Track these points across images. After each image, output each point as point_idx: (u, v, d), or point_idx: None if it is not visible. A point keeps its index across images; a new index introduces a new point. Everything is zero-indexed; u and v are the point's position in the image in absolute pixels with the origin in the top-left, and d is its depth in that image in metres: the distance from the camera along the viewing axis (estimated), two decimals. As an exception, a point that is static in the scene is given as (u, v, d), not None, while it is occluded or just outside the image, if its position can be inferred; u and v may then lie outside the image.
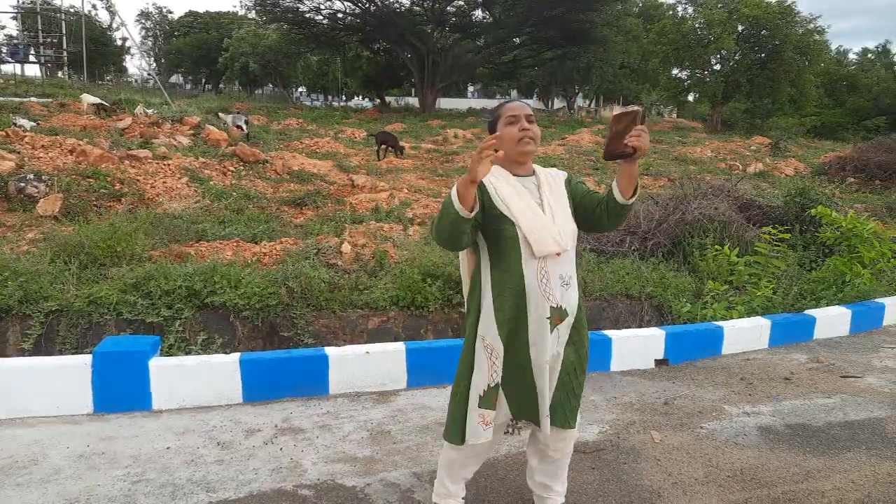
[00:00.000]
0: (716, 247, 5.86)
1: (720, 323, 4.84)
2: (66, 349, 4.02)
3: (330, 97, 57.40)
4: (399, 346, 3.97)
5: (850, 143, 22.43)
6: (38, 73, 38.08)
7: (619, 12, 37.94)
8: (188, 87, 63.59)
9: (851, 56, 52.90)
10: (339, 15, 37.30)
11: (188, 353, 4.05)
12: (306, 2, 35.79)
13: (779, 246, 5.89)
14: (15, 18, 38.09)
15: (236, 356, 3.70)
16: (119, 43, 52.55)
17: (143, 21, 64.17)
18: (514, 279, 2.21)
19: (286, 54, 43.19)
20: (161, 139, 10.80)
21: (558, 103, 51.86)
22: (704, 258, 5.86)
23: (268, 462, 3.02)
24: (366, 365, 3.87)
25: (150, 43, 64.62)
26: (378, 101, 45.44)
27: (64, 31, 34.51)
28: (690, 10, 36.19)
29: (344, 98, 56.38)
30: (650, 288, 5.29)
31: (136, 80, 61.20)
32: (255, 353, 3.86)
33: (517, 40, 38.72)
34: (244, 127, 14.73)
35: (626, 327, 4.97)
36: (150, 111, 13.41)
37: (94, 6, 60.95)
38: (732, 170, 15.34)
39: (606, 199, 2.27)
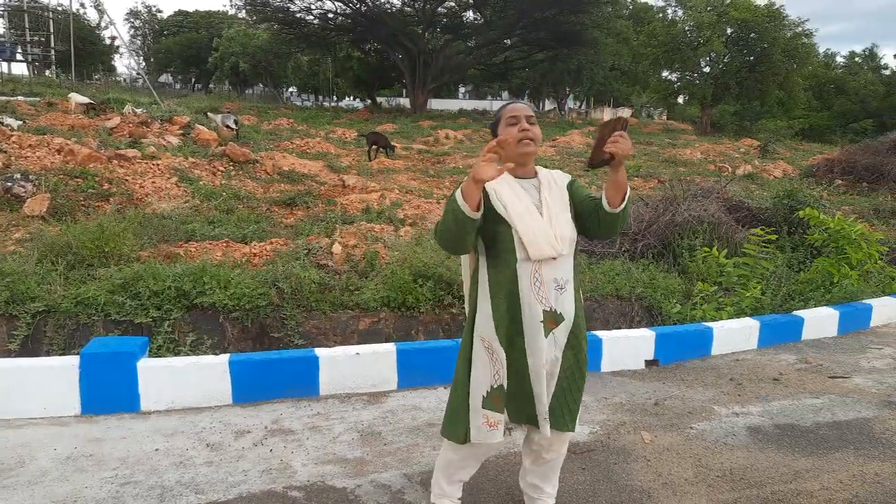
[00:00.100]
0: (704, 248, 5.89)
1: (710, 324, 4.86)
2: (53, 350, 3.99)
3: (321, 97, 57.26)
4: (390, 347, 3.96)
5: (838, 146, 22.60)
6: (26, 72, 37.75)
7: (610, 14, 38.13)
8: (178, 86, 63.24)
9: (839, 59, 53.40)
10: (330, 15, 37.23)
11: (177, 354, 4.03)
12: (297, 1, 35.72)
13: (767, 247, 5.93)
14: (1, 16, 37.73)
15: (226, 357, 3.68)
16: (108, 42, 52.22)
17: (131, 20, 63.84)
18: (507, 281, 2.21)
19: (276, 54, 43.04)
20: (150, 139, 10.74)
21: (549, 105, 52.06)
22: (694, 259, 5.90)
23: (257, 463, 3.01)
24: (356, 366, 3.86)
25: (139, 42, 64.27)
26: (369, 101, 45.41)
27: (52, 30, 34.27)
28: (680, 12, 36.45)
29: (335, 98, 56.27)
30: (640, 289, 5.31)
31: (124, 80, 60.75)
32: (245, 354, 3.83)
33: (508, 42, 38.79)
34: (233, 126, 14.67)
35: (617, 328, 4.99)
36: (139, 111, 13.33)
37: (82, 4, 60.53)
38: (722, 172, 15.44)
39: (598, 206, 2.24)
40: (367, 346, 3.98)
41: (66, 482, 2.79)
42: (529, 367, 2.24)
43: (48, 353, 3.95)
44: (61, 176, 7.56)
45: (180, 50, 54.13)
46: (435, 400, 3.79)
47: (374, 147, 15.29)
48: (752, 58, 34.10)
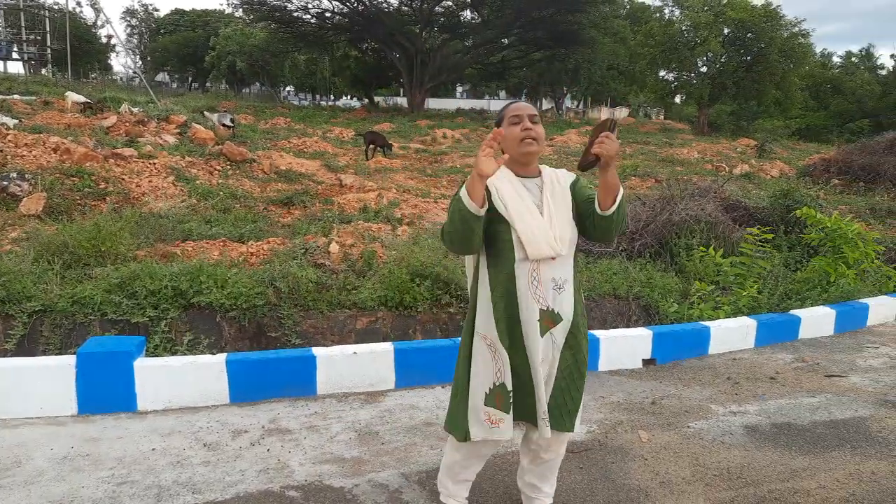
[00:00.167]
0: (701, 248, 5.90)
1: (707, 323, 4.87)
2: (49, 350, 3.97)
3: (318, 96, 57.19)
4: (387, 347, 3.96)
5: (834, 146, 22.69)
6: (22, 71, 37.63)
7: (607, 14, 38.14)
8: (174, 85, 63.11)
9: (835, 59, 53.52)
10: (327, 14, 37.17)
11: (174, 353, 4.02)
12: (294, 0, 35.66)
13: (763, 246, 5.94)
14: (-3, 15, 37.65)
15: (223, 357, 3.67)
16: (104, 40, 52.08)
17: (128, 18, 63.64)
18: (506, 280, 2.22)
19: (274, 53, 42.95)
20: (147, 138, 10.71)
21: (546, 104, 52.03)
22: (691, 258, 5.90)
23: (255, 463, 3.00)
24: (354, 365, 3.85)
25: (135, 41, 64.06)
26: (366, 100, 45.35)
27: (48, 28, 34.16)
28: (677, 12, 36.50)
29: (332, 97, 56.19)
30: (638, 288, 5.32)
31: (121, 79, 60.61)
32: (242, 354, 3.83)
33: (506, 41, 38.79)
34: (230, 125, 14.64)
35: (614, 327, 4.99)
36: (135, 109, 13.30)
37: (78, 3, 60.45)
38: (719, 171, 15.47)
39: (593, 209, 2.23)
40: (365, 346, 3.98)
41: (63, 482, 2.78)
42: (530, 366, 2.24)
43: (44, 353, 3.94)
44: (57, 175, 7.53)
45: (177, 49, 53.99)
46: (432, 399, 3.79)
47: (371, 146, 15.28)
48: (748, 58, 34.19)
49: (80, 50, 42.63)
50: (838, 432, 3.51)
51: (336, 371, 3.82)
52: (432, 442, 3.25)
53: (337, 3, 35.96)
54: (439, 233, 2.34)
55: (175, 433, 3.28)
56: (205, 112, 15.71)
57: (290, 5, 35.94)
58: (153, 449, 3.11)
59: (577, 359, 2.32)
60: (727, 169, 16.26)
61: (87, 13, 50.98)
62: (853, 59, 53.01)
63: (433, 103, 44.48)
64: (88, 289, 4.21)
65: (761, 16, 32.64)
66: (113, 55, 58.72)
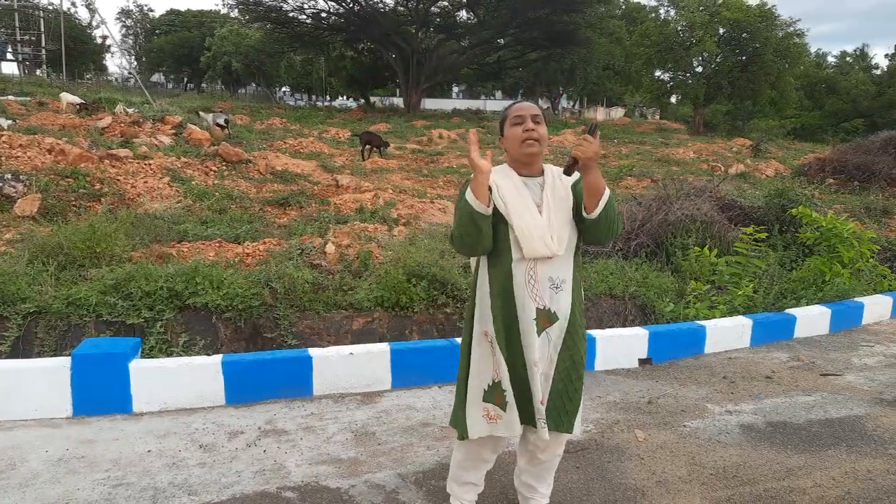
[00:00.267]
0: (696, 247, 5.91)
1: (703, 322, 4.88)
2: (44, 351, 3.95)
3: (314, 97, 57.14)
4: (384, 347, 3.96)
5: (829, 145, 22.76)
6: (16, 71, 37.49)
7: (603, 14, 38.25)
8: (170, 86, 62.99)
9: (830, 59, 53.78)
10: (323, 14, 37.17)
11: (169, 354, 4.00)
12: (289, 1, 35.64)
13: (758, 246, 5.95)
14: (-9, 15, 37.51)
15: (219, 358, 3.66)
16: (99, 41, 51.94)
17: (123, 19, 63.62)
18: (503, 277, 2.22)
19: (269, 54, 42.93)
20: (142, 138, 10.68)
21: (543, 104, 52.06)
22: (687, 258, 5.91)
23: (251, 464, 2.99)
24: (350, 366, 3.85)
25: (130, 41, 63.96)
26: (362, 101, 45.33)
27: (42, 29, 34.05)
28: (672, 12, 36.57)
29: (328, 98, 56.15)
30: (634, 288, 5.32)
31: (116, 79, 60.45)
32: (238, 355, 3.82)
33: (501, 41, 38.84)
34: (223, 125, 14.60)
35: (610, 327, 4.99)
36: (130, 110, 13.26)
37: (73, 3, 60.07)
38: (714, 171, 15.48)
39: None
40: (361, 346, 3.97)
41: (58, 484, 2.77)
42: (527, 366, 2.24)
43: (39, 355, 3.92)
44: (52, 176, 7.51)
45: (172, 49, 53.91)
46: (429, 400, 3.79)
47: (367, 147, 15.26)
48: (744, 58, 34.25)
49: (74, 51, 42.52)
50: (834, 431, 3.52)
51: (332, 372, 3.81)
52: (429, 442, 3.25)
53: (333, 4, 35.98)
54: (448, 237, 2.35)
55: (171, 435, 3.27)
56: (200, 112, 15.67)
57: (285, 6, 35.95)
58: (149, 451, 3.10)
59: (575, 360, 2.32)
60: (723, 168, 16.28)
61: (82, 14, 50.98)
62: (848, 58, 53.23)
63: (429, 103, 44.49)
64: (83, 290, 4.19)
65: (756, 16, 32.69)
66: (108, 56, 58.60)
